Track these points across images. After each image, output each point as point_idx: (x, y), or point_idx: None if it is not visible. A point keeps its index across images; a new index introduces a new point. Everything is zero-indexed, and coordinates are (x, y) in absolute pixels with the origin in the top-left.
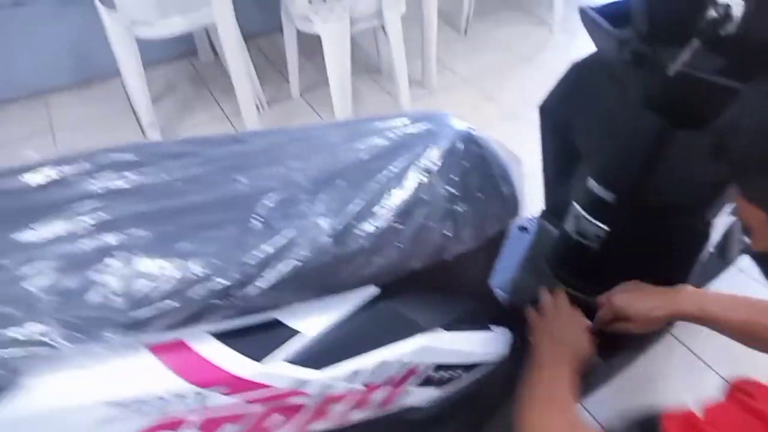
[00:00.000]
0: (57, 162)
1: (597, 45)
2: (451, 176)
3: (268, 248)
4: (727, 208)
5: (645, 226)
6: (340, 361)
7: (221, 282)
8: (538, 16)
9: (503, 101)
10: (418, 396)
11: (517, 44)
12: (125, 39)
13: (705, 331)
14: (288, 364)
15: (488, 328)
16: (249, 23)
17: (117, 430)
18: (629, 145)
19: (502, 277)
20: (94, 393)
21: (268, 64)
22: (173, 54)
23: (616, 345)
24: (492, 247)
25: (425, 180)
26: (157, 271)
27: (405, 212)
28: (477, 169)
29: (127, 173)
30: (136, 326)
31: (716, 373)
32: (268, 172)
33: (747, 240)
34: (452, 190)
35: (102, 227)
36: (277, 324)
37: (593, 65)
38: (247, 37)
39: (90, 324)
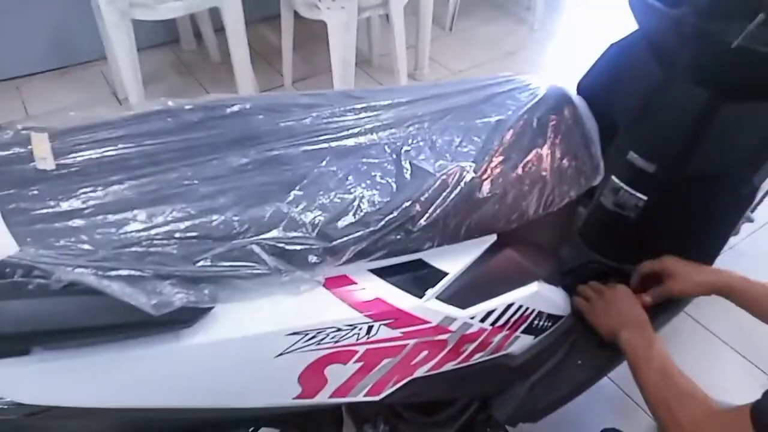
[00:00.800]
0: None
1: (645, 24)
2: (558, 133)
3: (425, 189)
4: None
5: (685, 192)
6: (478, 302)
7: (392, 218)
8: (518, 14)
9: None
10: (521, 342)
11: (500, 41)
12: (121, 21)
13: (720, 310)
14: (440, 302)
15: (558, 287)
16: None
17: (294, 359)
18: (674, 119)
19: None
20: (277, 322)
21: (254, 54)
22: (157, 41)
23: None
24: (573, 208)
25: (539, 135)
26: (337, 204)
27: (522, 164)
28: (575, 129)
29: (284, 119)
30: (324, 253)
31: (732, 348)
32: (405, 123)
33: (752, 216)
34: (560, 145)
35: (270, 163)
36: (426, 265)
37: (633, 45)
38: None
39: (286, 251)
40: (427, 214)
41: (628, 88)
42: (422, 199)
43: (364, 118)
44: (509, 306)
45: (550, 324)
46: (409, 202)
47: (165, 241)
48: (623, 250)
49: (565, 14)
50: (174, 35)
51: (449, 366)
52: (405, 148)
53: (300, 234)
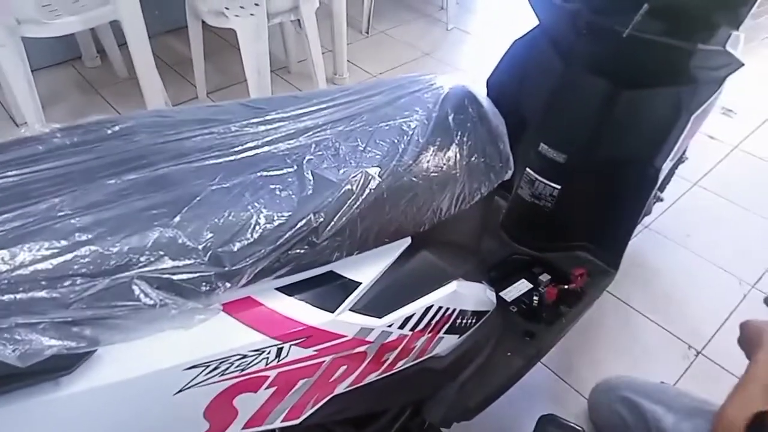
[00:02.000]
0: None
1: (544, 19)
2: (464, 131)
3: (329, 198)
4: (671, 157)
5: (595, 179)
6: (395, 309)
7: (294, 232)
8: (432, 15)
9: None
10: (446, 343)
11: (417, 41)
12: (10, 40)
13: (639, 286)
14: (355, 313)
15: (481, 282)
16: None
17: (196, 394)
18: (578, 109)
19: None
20: (172, 357)
21: (163, 66)
22: (55, 59)
23: (578, 294)
24: (488, 201)
25: (445, 134)
26: (232, 224)
27: (432, 164)
28: (483, 126)
29: (174, 133)
30: (220, 279)
31: (643, 315)
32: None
33: (661, 195)
34: (467, 143)
35: (155, 184)
36: (337, 276)
37: (535, 40)
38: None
39: (174, 282)
40: (331, 225)
41: (534, 82)
42: (326, 209)
43: (263, 129)
44: (428, 309)
45: (474, 321)
46: (312, 214)
47: (31, 284)
48: (543, 239)
49: (478, 14)
50: (75, 52)
51: (372, 377)
52: (307, 157)
53: (189, 261)
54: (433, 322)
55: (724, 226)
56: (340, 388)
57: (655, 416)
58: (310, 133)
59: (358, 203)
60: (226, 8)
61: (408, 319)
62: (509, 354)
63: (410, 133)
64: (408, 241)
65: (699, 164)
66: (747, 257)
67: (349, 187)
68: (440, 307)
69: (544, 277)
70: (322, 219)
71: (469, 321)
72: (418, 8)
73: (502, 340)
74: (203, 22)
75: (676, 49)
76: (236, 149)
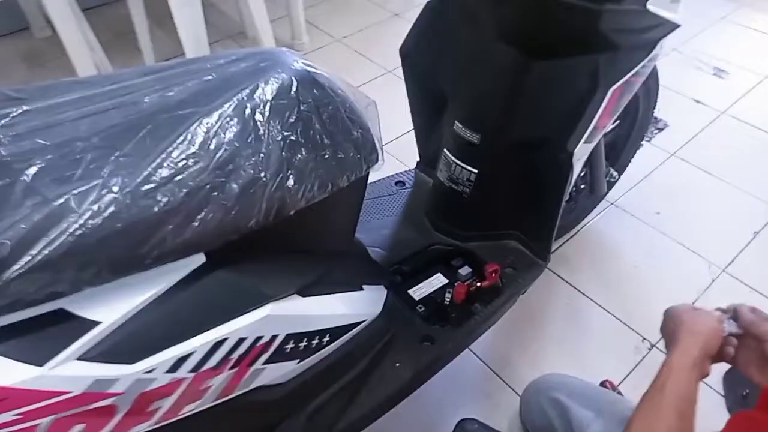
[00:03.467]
0: None
1: None
2: (289, 120)
3: (33, 219)
4: (585, 138)
5: (511, 163)
6: (159, 350)
7: None
8: None
9: (379, 58)
10: (273, 373)
11: (385, 2)
12: None
13: (594, 275)
14: (85, 362)
15: (358, 288)
16: None
17: None
18: (488, 83)
19: (379, 234)
20: None
21: (115, 36)
22: (2, 30)
23: (495, 290)
24: (352, 199)
25: (254, 124)
26: None
27: (227, 163)
28: (320, 112)
29: None
30: None
31: (597, 304)
32: (48, 130)
33: (614, 174)
34: (290, 136)
35: None
36: (68, 316)
37: (446, 3)
38: (88, 7)
39: None
40: (32, 253)
41: (447, 52)
42: (20, 234)
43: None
44: (218, 344)
45: (330, 339)
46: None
47: None
48: (463, 227)
49: None
50: (23, 23)
51: (140, 429)
52: (34, 166)
53: None
54: (234, 356)
55: (699, 202)
56: None
57: (582, 423)
58: (57, 131)
59: (82, 223)
60: None
61: (183, 359)
62: (397, 365)
63: (201, 126)
64: (200, 258)
65: (679, 132)
66: (721, 237)
67: (70, 204)
68: (241, 339)
69: (464, 271)
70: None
71: (318, 342)
72: None
73: (390, 349)
74: None
75: (582, 10)
76: None
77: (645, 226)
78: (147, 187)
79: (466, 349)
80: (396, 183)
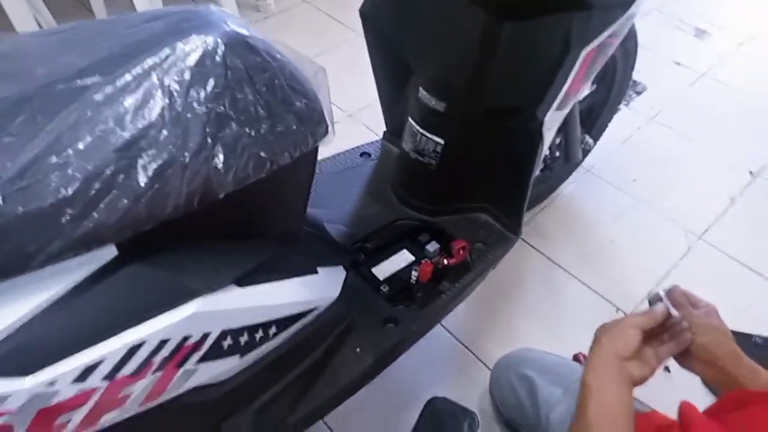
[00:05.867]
0: None
1: None
2: (214, 89)
3: None
4: (557, 106)
5: (479, 133)
6: (61, 359)
7: None
8: None
9: (350, 20)
10: (209, 372)
11: None
12: None
13: (569, 245)
14: None
15: (311, 271)
16: None
17: None
18: (456, 48)
19: (341, 209)
20: None
21: None
22: None
23: (464, 267)
24: (298, 177)
25: (170, 95)
26: None
27: (135, 141)
28: (253, 80)
29: None
30: None
31: (571, 275)
32: None
33: (589, 141)
34: (215, 108)
35: None
36: None
37: None
38: None
39: None
40: None
41: (410, 11)
42: None
43: None
44: (135, 348)
45: (273, 331)
46: None
47: None
48: (430, 201)
49: None
50: None
51: None
52: None
53: None
54: (157, 360)
55: (677, 169)
56: None
57: (549, 402)
58: None
59: None
60: None
61: (92, 368)
62: (358, 350)
63: (104, 98)
64: (111, 252)
65: (658, 95)
66: (698, 204)
67: None
68: (163, 341)
69: (432, 247)
70: None
71: (263, 335)
72: None
73: (350, 333)
74: None
75: None
76: None
77: (621, 193)
78: (33, 173)
79: (437, 324)
80: (361, 154)
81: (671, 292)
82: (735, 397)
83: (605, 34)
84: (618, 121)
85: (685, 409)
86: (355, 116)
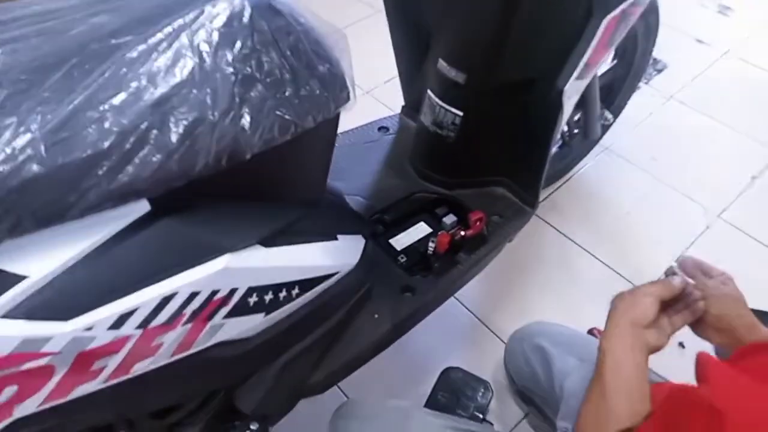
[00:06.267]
0: None
1: None
2: (241, 51)
3: None
4: (577, 74)
5: (498, 105)
6: (98, 306)
7: None
8: None
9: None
10: (235, 328)
11: None
12: None
13: (582, 220)
14: (10, 321)
15: (331, 238)
16: None
17: None
18: (475, 15)
19: (360, 182)
20: None
21: None
22: None
23: (480, 239)
24: (321, 143)
25: (199, 56)
26: None
27: (166, 99)
28: (278, 43)
29: None
30: None
31: (587, 252)
32: None
33: (609, 116)
34: (242, 69)
35: None
36: None
37: None
38: None
39: None
40: None
41: None
42: None
43: None
44: (168, 298)
45: (299, 291)
46: None
47: None
48: (448, 174)
49: None
50: None
51: (84, 389)
52: None
53: None
54: (187, 311)
55: (697, 147)
56: (24, 410)
57: (563, 371)
58: None
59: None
60: None
61: (127, 315)
62: (376, 316)
63: (137, 56)
64: (143, 207)
65: (679, 73)
66: (718, 182)
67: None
68: (194, 293)
69: (449, 219)
70: None
71: (286, 294)
72: None
73: (368, 300)
74: None
75: None
76: None
77: (640, 171)
78: (72, 126)
79: (453, 298)
80: (379, 129)
81: (684, 263)
82: (753, 348)
83: (628, 2)
84: (638, 99)
85: (701, 357)
86: (372, 93)
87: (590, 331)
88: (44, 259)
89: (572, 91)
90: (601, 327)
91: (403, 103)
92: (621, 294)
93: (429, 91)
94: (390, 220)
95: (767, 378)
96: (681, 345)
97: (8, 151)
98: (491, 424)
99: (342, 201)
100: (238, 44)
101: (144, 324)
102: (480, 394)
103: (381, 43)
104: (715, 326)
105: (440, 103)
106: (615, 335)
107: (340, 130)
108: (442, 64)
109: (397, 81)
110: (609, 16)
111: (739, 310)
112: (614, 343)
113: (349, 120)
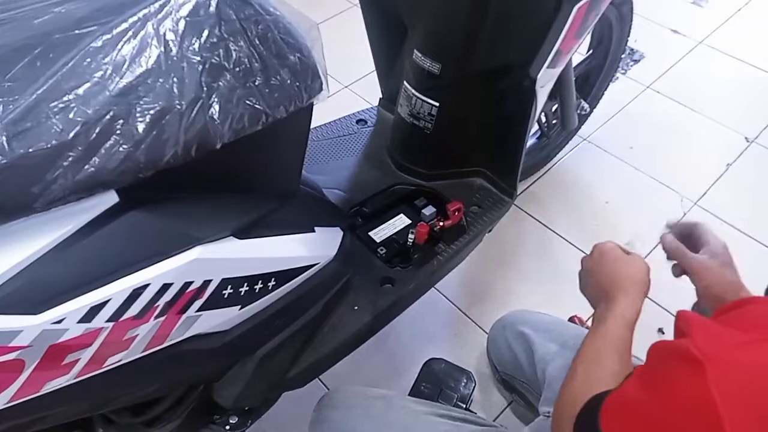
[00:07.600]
0: None
1: None
2: (208, 39)
3: None
4: (549, 63)
5: (473, 94)
6: (68, 298)
7: None
8: None
9: None
10: (211, 320)
11: None
12: None
13: (563, 211)
14: None
15: (308, 230)
16: None
17: None
18: (448, 8)
19: (339, 175)
20: None
21: None
22: None
23: (459, 230)
24: (294, 133)
25: (165, 45)
26: None
27: (132, 89)
28: (247, 32)
29: None
30: None
31: (567, 241)
32: None
33: (585, 106)
34: (210, 58)
35: None
36: None
37: None
38: None
39: None
40: None
41: None
42: None
43: None
44: (139, 290)
45: (273, 284)
46: None
47: None
48: (427, 166)
49: None
50: None
51: (56, 384)
52: None
53: None
54: (160, 303)
55: (674, 136)
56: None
57: (545, 358)
58: None
59: None
60: None
61: (98, 308)
62: (356, 308)
63: (101, 45)
64: (112, 198)
65: (655, 63)
66: (694, 170)
67: None
68: (166, 285)
69: (428, 211)
70: None
71: (262, 286)
72: None
73: (347, 292)
74: None
75: None
76: None
77: (618, 161)
78: (35, 116)
79: (434, 290)
80: (357, 121)
81: (666, 244)
82: (735, 303)
83: None
84: (615, 89)
85: (681, 314)
86: (350, 87)
87: (571, 319)
88: (11, 252)
89: (545, 80)
90: (582, 314)
91: (380, 95)
92: (613, 257)
93: (405, 83)
94: (369, 213)
95: (750, 326)
96: (660, 331)
97: None
98: (474, 413)
99: (320, 194)
100: (205, 33)
101: (116, 316)
102: (463, 384)
103: (359, 37)
104: (706, 296)
105: (416, 94)
106: (632, 307)
107: (317, 123)
108: (417, 55)
109: (375, 74)
110: (578, 5)
111: (724, 279)
112: (629, 315)
113: (327, 113)
